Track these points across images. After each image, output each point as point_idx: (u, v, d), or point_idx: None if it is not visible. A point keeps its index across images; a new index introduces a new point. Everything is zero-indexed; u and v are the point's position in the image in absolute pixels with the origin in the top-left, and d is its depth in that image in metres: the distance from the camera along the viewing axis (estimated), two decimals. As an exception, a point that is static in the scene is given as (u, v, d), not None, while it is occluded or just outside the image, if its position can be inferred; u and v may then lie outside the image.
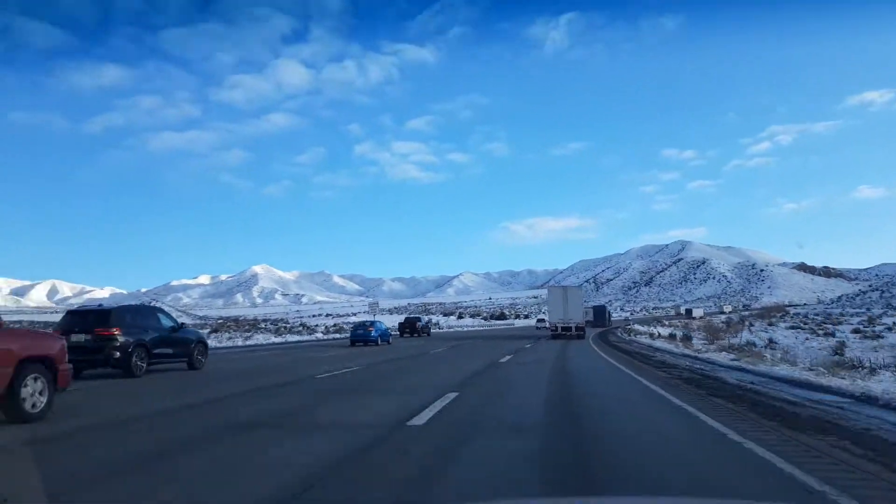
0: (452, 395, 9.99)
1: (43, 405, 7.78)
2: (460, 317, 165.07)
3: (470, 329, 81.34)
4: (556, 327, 41.67)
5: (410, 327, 53.53)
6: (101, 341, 13.69)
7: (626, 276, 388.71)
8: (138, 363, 14.14)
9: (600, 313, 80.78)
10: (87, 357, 13.32)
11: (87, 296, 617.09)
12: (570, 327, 41.26)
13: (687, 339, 37.94)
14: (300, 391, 11.38)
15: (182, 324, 17.48)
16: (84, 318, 14.25)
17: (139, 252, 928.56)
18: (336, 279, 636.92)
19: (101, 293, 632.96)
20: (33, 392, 7.65)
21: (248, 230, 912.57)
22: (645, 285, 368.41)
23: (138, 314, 15.34)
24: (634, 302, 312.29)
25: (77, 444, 6.55)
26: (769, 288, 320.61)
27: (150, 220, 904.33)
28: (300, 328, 71.17)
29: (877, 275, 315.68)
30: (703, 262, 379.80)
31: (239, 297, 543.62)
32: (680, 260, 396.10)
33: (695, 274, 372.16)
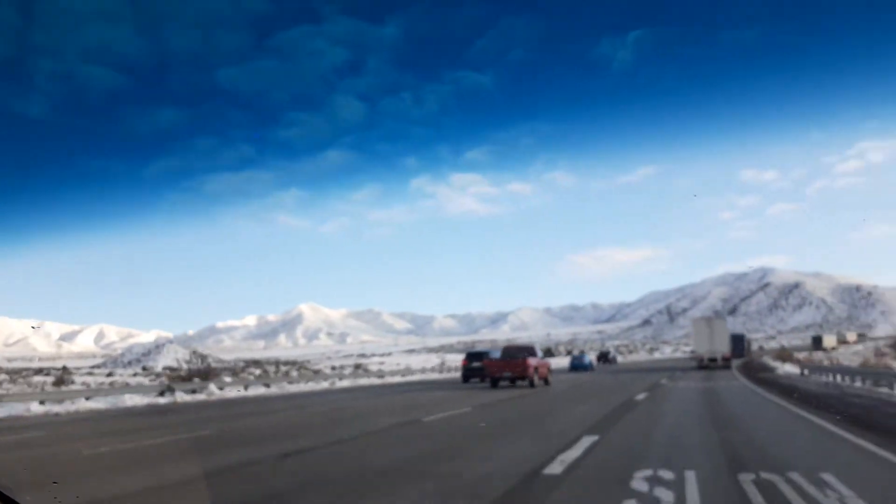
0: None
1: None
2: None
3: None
4: (703, 358, 44.32)
5: (604, 358, 75.20)
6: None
7: (706, 305, 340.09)
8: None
9: (739, 343, 75.50)
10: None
11: (131, 340, 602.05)
12: (716, 358, 43.88)
13: None
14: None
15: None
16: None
17: (189, 294, 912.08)
18: (385, 317, 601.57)
19: (147, 336, 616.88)
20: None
21: (300, 269, 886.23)
22: (728, 314, 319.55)
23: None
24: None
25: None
26: (882, 313, 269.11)
27: (203, 261, 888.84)
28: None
29: None
30: (797, 286, 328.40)
31: (282, 338, 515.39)
32: (768, 285, 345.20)
33: (787, 300, 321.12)
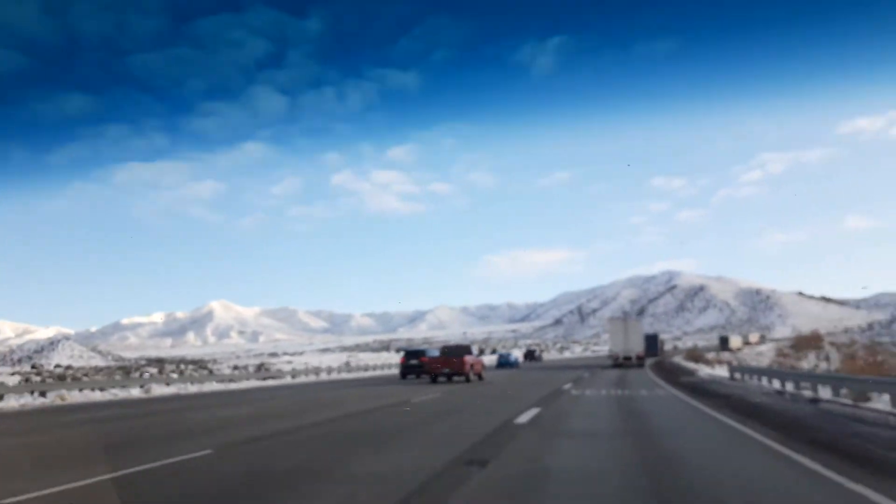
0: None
1: (483, 376, 30.88)
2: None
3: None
4: (618, 357, 45.92)
5: (531, 356, 79.84)
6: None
7: (615, 306, 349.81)
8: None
9: (652, 342, 77.18)
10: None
11: (28, 336, 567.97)
12: (631, 357, 45.52)
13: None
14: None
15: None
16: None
17: (94, 289, 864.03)
18: (301, 315, 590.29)
19: (46, 332, 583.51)
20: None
21: (213, 265, 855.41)
22: (637, 315, 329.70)
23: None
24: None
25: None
26: (780, 316, 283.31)
27: (109, 254, 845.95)
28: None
29: (876, 304, 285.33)
30: (702, 289, 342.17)
31: (191, 336, 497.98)
32: (674, 288, 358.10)
33: (692, 302, 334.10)
